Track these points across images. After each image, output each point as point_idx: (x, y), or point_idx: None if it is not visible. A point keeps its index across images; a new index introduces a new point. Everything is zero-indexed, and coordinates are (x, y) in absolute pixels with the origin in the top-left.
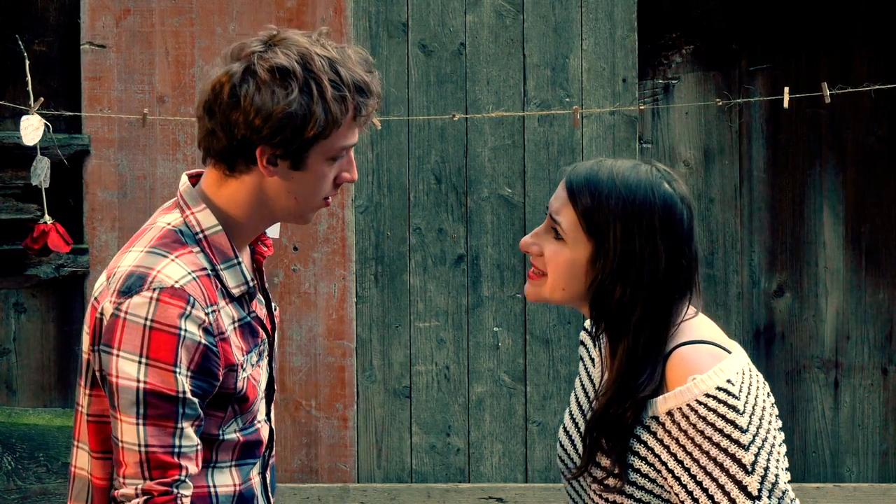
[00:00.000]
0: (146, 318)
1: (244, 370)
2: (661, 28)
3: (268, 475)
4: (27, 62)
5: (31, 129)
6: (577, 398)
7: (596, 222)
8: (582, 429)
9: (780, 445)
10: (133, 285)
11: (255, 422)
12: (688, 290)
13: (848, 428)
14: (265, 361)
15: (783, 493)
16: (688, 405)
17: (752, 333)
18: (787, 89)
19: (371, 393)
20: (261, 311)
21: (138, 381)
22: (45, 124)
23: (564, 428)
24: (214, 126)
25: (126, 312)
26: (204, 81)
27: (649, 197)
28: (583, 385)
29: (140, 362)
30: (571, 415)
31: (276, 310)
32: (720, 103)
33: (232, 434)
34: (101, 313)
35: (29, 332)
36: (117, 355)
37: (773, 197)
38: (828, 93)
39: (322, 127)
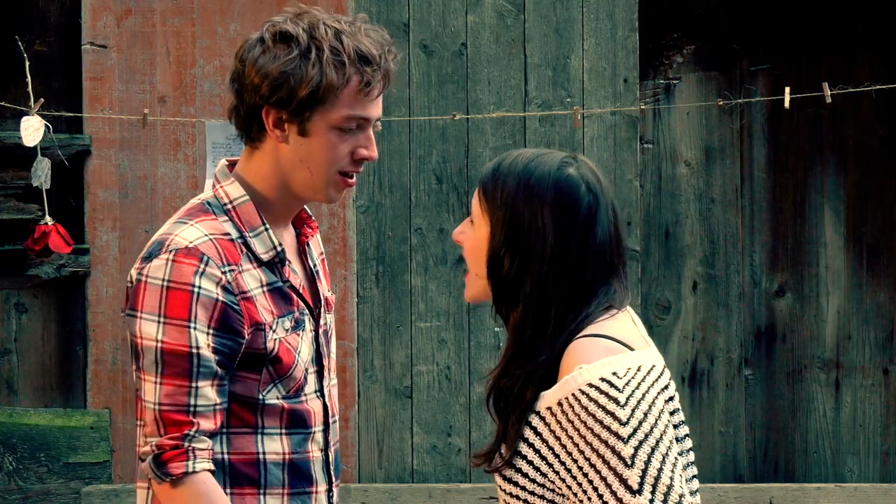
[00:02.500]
0: (163, 279)
1: (273, 331)
2: (662, 28)
3: (331, 454)
4: (27, 63)
5: (32, 130)
6: None
7: (492, 200)
8: None
9: (674, 453)
10: (154, 250)
11: (302, 393)
12: (586, 280)
13: (849, 428)
14: (308, 334)
15: (668, 489)
16: (572, 395)
17: (754, 334)
18: (788, 89)
19: (372, 393)
20: (295, 279)
21: (157, 340)
22: (46, 125)
23: None
24: (234, 96)
25: (147, 276)
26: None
27: (544, 177)
28: None
29: (159, 322)
30: None
31: (331, 295)
32: (721, 103)
33: (274, 400)
34: (129, 280)
35: (30, 333)
36: (140, 317)
37: (774, 197)
38: (829, 93)
39: (315, 87)
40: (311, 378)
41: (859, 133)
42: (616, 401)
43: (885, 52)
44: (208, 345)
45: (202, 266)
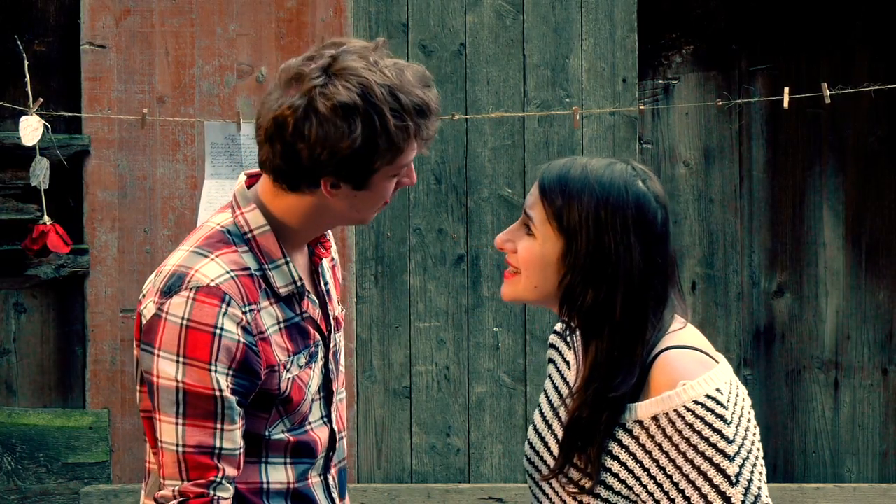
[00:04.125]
0: (183, 318)
1: (288, 371)
2: (661, 28)
3: (332, 477)
4: (26, 62)
5: (30, 129)
6: (548, 399)
7: (566, 219)
8: (555, 429)
9: (761, 460)
10: (173, 285)
11: (306, 423)
12: (666, 292)
13: (848, 428)
14: (319, 363)
15: None
16: (675, 411)
17: (752, 334)
18: (787, 89)
19: (371, 393)
20: (314, 311)
21: (177, 380)
22: (45, 125)
23: (536, 429)
24: (275, 154)
25: (167, 312)
26: (263, 108)
27: (622, 194)
28: (555, 387)
29: (178, 361)
30: (543, 416)
31: (341, 311)
32: (720, 104)
33: (280, 434)
34: (144, 312)
35: (29, 333)
36: (158, 355)
37: (773, 197)
38: (828, 93)
39: (386, 156)
40: (317, 406)
41: (858, 133)
42: (723, 418)
43: (884, 51)
44: (228, 386)
45: (224, 307)
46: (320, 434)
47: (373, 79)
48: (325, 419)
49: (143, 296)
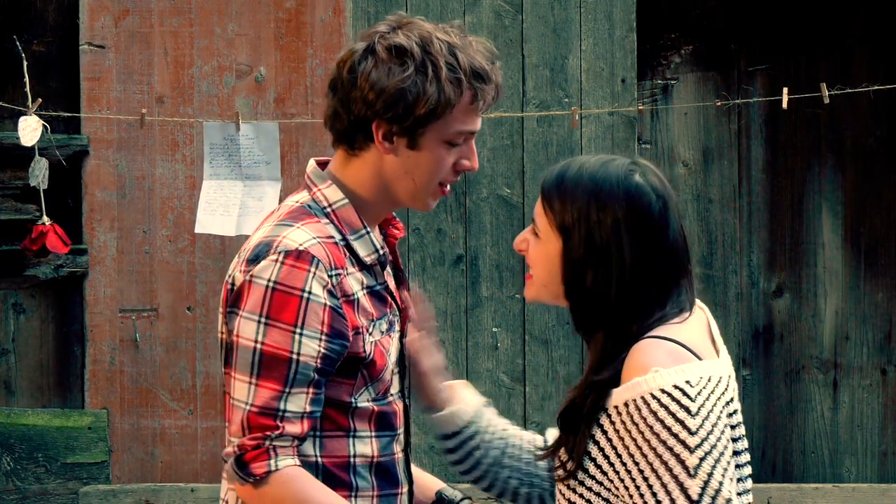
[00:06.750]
0: (269, 280)
1: (371, 335)
2: (659, 28)
3: (410, 455)
4: (25, 63)
5: (29, 129)
6: None
7: (561, 215)
8: None
9: (731, 460)
10: (261, 252)
11: (388, 394)
12: (665, 284)
13: (847, 428)
14: (396, 335)
15: (727, 502)
16: (641, 398)
17: (751, 334)
18: (785, 90)
19: None
20: (391, 282)
21: (255, 341)
22: (44, 125)
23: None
24: (336, 104)
25: (253, 276)
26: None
27: (613, 188)
28: None
29: (259, 322)
30: None
31: (411, 290)
32: (719, 104)
33: (365, 403)
34: (232, 283)
35: (28, 333)
36: (241, 315)
37: (772, 197)
38: (827, 93)
39: (434, 105)
40: (395, 379)
41: (857, 133)
42: (687, 409)
43: (883, 52)
44: (319, 351)
45: (313, 269)
46: (398, 407)
47: (435, 33)
48: (401, 394)
49: (229, 274)
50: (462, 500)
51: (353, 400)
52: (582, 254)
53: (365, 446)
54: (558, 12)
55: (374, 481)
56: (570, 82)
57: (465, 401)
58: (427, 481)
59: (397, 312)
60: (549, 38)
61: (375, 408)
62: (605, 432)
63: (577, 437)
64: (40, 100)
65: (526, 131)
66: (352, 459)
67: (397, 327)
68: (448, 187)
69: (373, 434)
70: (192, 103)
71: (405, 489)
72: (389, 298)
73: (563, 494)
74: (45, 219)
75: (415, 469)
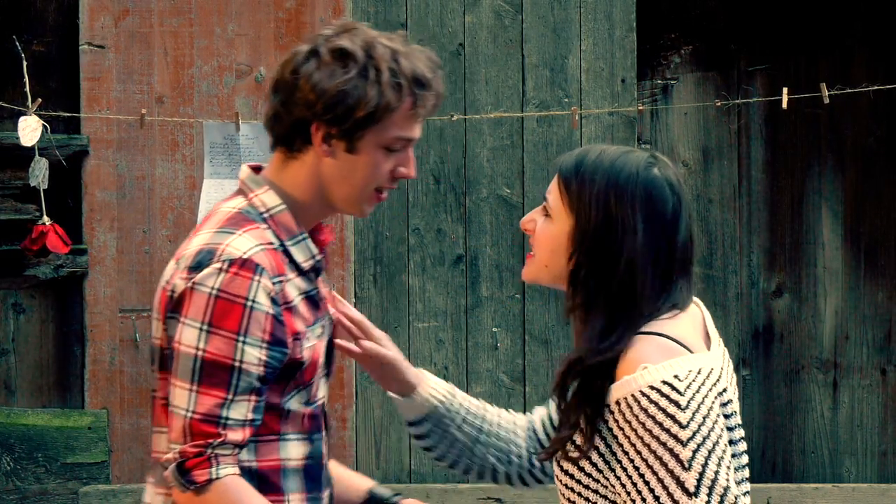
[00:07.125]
0: (212, 288)
1: (307, 340)
2: (659, 28)
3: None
4: (24, 63)
5: (29, 130)
6: None
7: (577, 196)
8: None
9: (728, 453)
10: (203, 259)
11: (317, 397)
12: (668, 279)
13: (847, 428)
14: (326, 339)
15: (724, 491)
16: (632, 395)
17: (751, 334)
18: (785, 90)
19: (370, 393)
20: (324, 287)
21: (197, 348)
22: (44, 125)
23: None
24: (277, 105)
25: (195, 283)
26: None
27: (632, 176)
28: None
29: (202, 329)
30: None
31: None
32: (719, 104)
33: (296, 406)
34: (172, 290)
35: (28, 333)
36: (183, 322)
37: (771, 197)
38: (826, 93)
39: (373, 109)
40: (322, 382)
41: (857, 133)
42: (677, 404)
43: (883, 52)
44: (260, 359)
45: (257, 277)
46: (323, 410)
47: (379, 39)
48: (324, 398)
49: (167, 281)
50: (393, 496)
51: (284, 404)
52: (592, 236)
53: (294, 449)
54: (558, 12)
55: (303, 485)
56: (569, 82)
57: (433, 384)
58: (356, 481)
59: (328, 317)
60: (548, 38)
61: (305, 411)
62: (609, 428)
63: (579, 417)
64: (40, 100)
65: (526, 131)
66: (283, 463)
67: (327, 332)
68: (385, 194)
69: (302, 437)
70: (191, 103)
71: (326, 493)
72: (321, 304)
73: (563, 482)
74: (46, 219)
75: (344, 469)
